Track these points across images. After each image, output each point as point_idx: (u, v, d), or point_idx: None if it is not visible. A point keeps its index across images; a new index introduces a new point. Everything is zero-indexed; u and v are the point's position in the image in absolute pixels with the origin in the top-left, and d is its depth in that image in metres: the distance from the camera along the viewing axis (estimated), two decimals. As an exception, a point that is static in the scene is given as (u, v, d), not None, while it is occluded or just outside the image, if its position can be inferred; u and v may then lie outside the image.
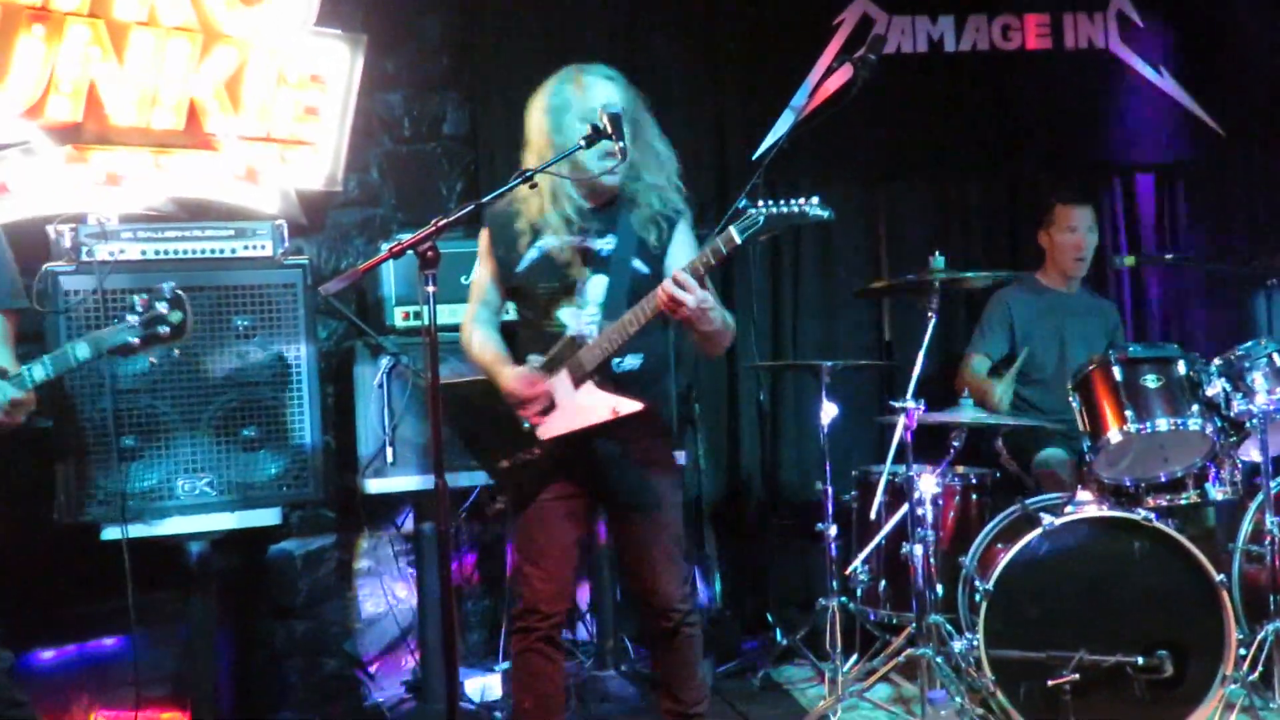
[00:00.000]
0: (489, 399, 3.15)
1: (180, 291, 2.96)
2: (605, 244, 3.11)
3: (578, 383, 3.04)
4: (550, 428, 3.08)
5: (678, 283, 2.85)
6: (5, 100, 3.71)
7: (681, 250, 3.15)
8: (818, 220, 2.89)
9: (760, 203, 2.86)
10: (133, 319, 2.90)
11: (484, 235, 3.24)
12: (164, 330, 2.92)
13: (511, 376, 3.10)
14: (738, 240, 2.85)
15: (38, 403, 2.99)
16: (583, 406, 3.03)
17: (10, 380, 2.75)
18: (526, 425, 3.11)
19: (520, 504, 3.20)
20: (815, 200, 2.86)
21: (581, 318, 3.09)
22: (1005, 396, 4.38)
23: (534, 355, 3.12)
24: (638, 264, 3.11)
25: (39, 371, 2.88)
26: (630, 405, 3.00)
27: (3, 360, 2.90)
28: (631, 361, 3.11)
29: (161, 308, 2.92)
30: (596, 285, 3.10)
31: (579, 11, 4.95)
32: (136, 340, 2.90)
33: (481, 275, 3.27)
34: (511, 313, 3.33)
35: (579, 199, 3.08)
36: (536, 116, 3.11)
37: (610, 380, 3.05)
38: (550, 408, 3.08)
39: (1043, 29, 5.36)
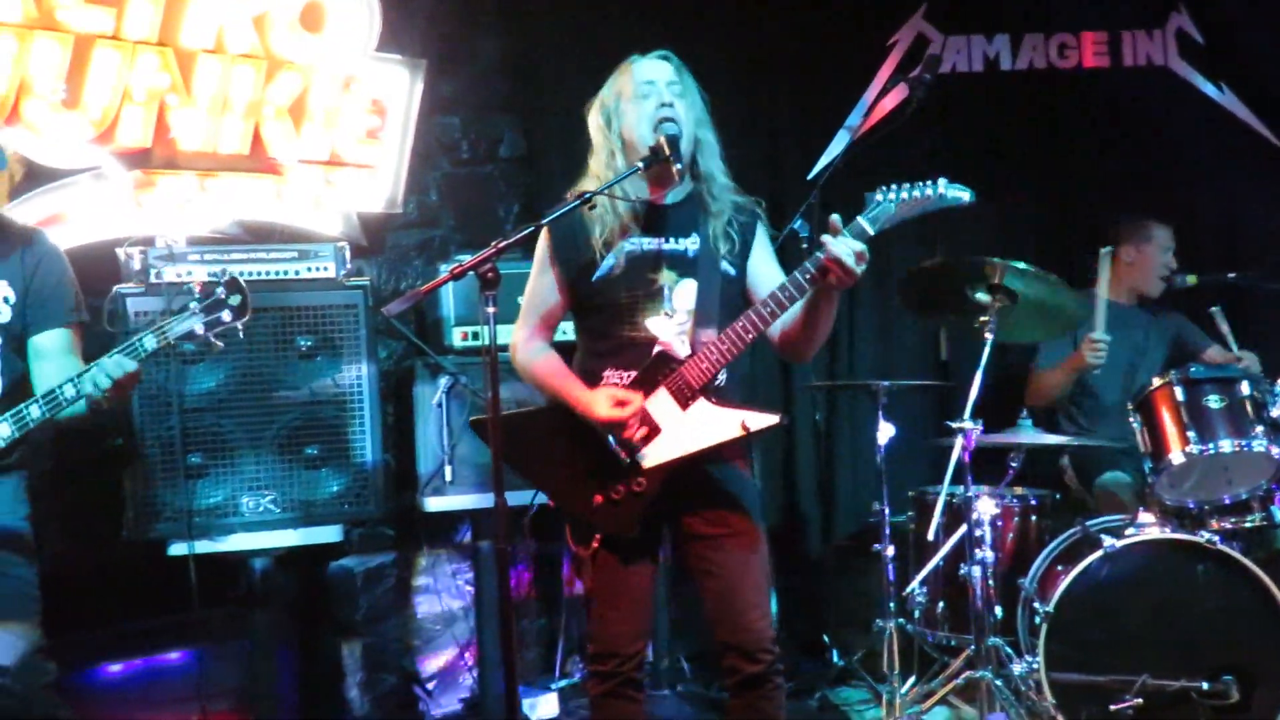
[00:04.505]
0: (561, 428, 2.83)
1: (236, 274, 2.93)
2: (690, 244, 2.86)
3: (685, 402, 2.74)
4: (657, 454, 2.75)
5: (842, 241, 2.59)
6: (77, 126, 3.81)
7: (764, 252, 2.95)
8: (956, 203, 2.65)
9: (890, 190, 2.65)
10: (195, 305, 2.86)
11: (543, 242, 2.92)
12: (226, 314, 2.88)
13: (602, 398, 2.76)
14: (871, 232, 2.62)
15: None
16: (699, 426, 2.72)
17: (123, 351, 2.79)
18: (621, 454, 2.77)
19: (607, 542, 2.85)
20: (943, 181, 2.65)
21: (671, 327, 2.82)
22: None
23: (611, 371, 2.83)
24: (725, 266, 2.86)
25: (150, 341, 2.85)
26: (764, 419, 2.70)
27: (72, 370, 2.91)
28: (722, 376, 2.81)
29: (220, 293, 2.88)
30: (685, 290, 2.84)
31: (634, 33, 4.90)
32: (200, 326, 2.86)
33: (541, 284, 2.95)
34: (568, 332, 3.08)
35: (643, 198, 2.88)
36: (593, 117, 2.96)
37: (716, 396, 2.77)
38: (651, 432, 2.76)
39: (1100, 47, 5.34)
